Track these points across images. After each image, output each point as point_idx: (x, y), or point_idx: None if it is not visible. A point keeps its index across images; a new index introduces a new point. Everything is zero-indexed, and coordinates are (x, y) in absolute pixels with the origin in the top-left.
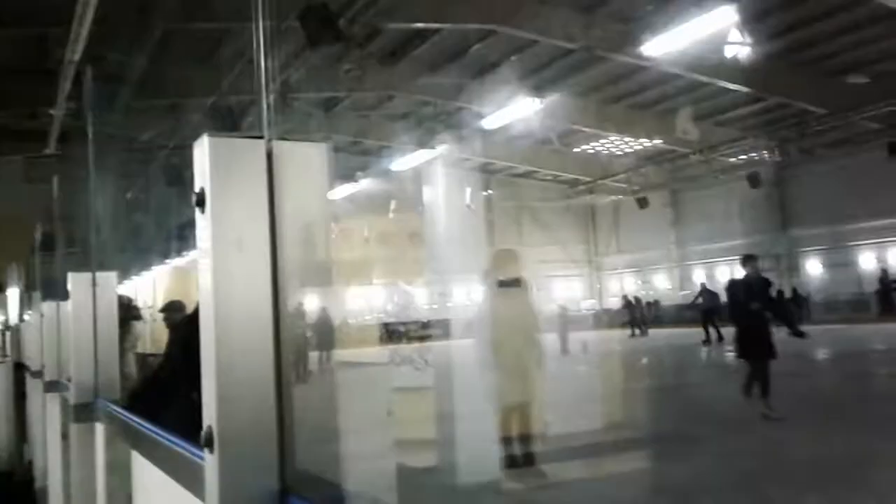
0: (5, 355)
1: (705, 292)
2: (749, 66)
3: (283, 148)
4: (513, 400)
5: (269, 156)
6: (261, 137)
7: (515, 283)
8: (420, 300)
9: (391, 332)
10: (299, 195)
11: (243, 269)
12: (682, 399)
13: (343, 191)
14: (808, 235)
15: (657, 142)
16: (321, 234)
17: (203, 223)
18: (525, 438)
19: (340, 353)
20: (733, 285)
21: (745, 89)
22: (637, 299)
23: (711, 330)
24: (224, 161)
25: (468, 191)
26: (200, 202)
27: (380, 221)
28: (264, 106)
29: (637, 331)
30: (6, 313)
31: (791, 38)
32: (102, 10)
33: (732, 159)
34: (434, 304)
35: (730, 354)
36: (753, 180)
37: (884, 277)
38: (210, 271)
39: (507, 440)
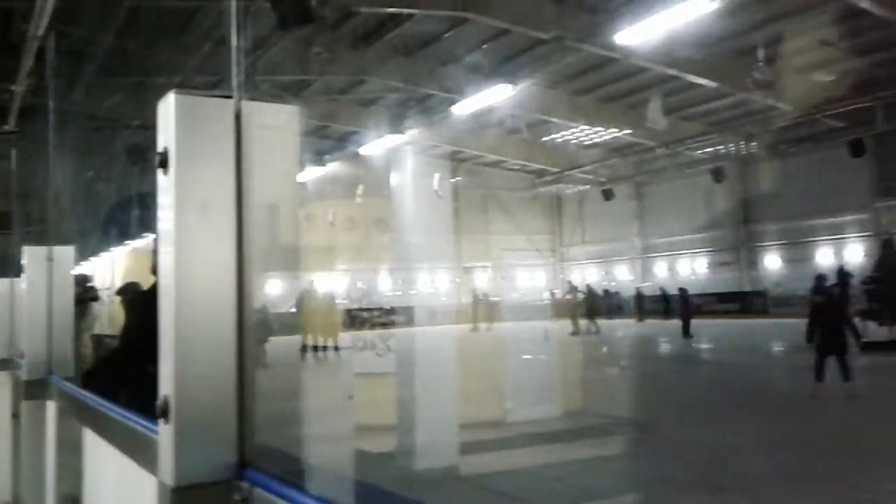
0: None
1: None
2: (718, 61)
3: (252, 108)
4: None
5: (238, 116)
6: (229, 97)
7: None
8: (384, 287)
9: (354, 318)
10: (268, 158)
11: (207, 234)
12: None
13: (309, 174)
14: (768, 231)
15: (626, 132)
16: (291, 201)
17: (166, 185)
18: None
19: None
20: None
21: (713, 84)
22: (589, 288)
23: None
24: (190, 120)
25: (436, 177)
26: (164, 163)
27: (346, 206)
28: (234, 64)
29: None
30: None
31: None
32: None
33: (699, 152)
34: (398, 290)
35: None
36: (717, 175)
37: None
38: (172, 235)
39: None
